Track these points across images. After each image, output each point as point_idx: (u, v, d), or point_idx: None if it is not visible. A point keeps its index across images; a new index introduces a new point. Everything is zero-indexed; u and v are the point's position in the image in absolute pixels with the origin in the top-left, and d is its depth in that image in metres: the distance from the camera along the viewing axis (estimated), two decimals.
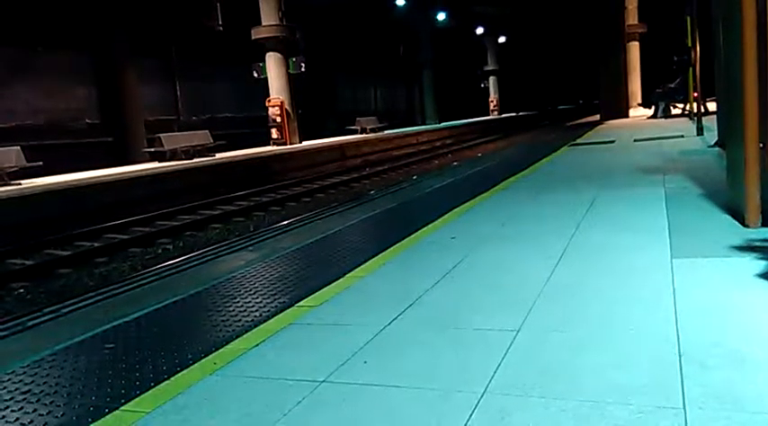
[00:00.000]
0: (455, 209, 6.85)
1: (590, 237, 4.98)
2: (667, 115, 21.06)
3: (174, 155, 18.22)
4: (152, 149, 18.75)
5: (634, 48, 33.04)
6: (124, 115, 20.82)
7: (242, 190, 15.03)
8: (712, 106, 13.42)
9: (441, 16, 40.60)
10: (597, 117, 27.59)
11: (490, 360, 2.78)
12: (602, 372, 2.56)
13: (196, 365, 3.06)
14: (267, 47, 22.31)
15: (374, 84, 40.34)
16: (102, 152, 19.88)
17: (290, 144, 22.66)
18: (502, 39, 50.40)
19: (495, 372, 2.66)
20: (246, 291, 4.31)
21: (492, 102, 51.03)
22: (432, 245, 5.24)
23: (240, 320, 3.68)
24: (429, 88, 41.91)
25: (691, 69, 14.66)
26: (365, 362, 2.91)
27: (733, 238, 4.44)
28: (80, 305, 5.97)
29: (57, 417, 2.65)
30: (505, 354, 2.84)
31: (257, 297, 4.12)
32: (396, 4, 35.71)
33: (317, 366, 2.90)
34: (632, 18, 32.38)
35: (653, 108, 22.41)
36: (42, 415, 2.68)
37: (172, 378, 2.92)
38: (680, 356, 2.64)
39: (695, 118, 14.04)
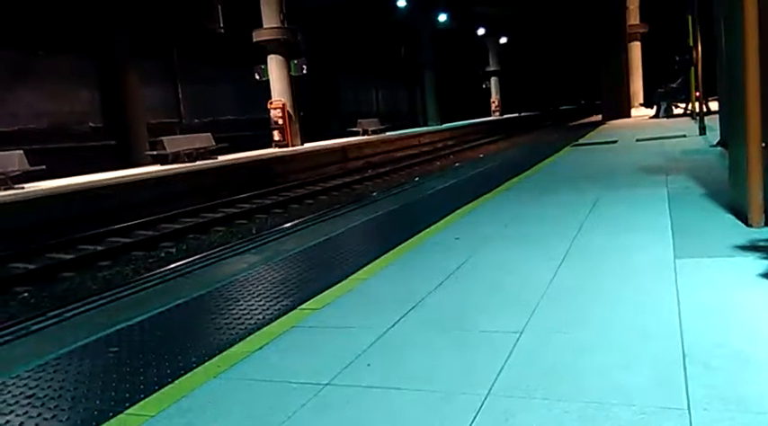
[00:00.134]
0: (458, 211, 6.85)
1: (593, 238, 4.97)
2: (669, 115, 21.04)
3: (176, 158, 18.25)
4: (154, 152, 18.78)
5: (636, 48, 33.02)
6: (127, 118, 20.85)
7: (244, 192, 15.04)
8: (714, 106, 13.40)
9: (442, 17, 40.60)
10: (599, 117, 27.57)
11: (494, 362, 2.77)
12: (605, 373, 2.56)
13: (200, 368, 3.06)
14: (269, 49, 22.35)
15: (376, 85, 40.35)
16: (104, 155, 19.89)
17: (292, 146, 22.68)
18: (503, 40, 50.40)
19: (498, 374, 2.66)
20: (249, 294, 4.32)
21: (494, 102, 51.02)
22: (435, 247, 5.24)
23: (243, 323, 3.68)
24: (431, 89, 41.92)
25: (692, 69, 14.65)
26: (368, 365, 2.91)
27: (736, 238, 4.43)
28: (84, 309, 5.97)
29: (61, 421, 2.66)
30: (509, 356, 2.83)
31: (260, 300, 4.13)
32: (397, 6, 35.72)
33: (321, 369, 2.90)
34: (634, 18, 32.36)
35: (655, 108, 22.38)
36: (47, 419, 2.69)
37: (176, 382, 2.92)
38: (684, 357, 2.63)
39: (697, 117, 14.03)
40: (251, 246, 8.46)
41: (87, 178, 15.48)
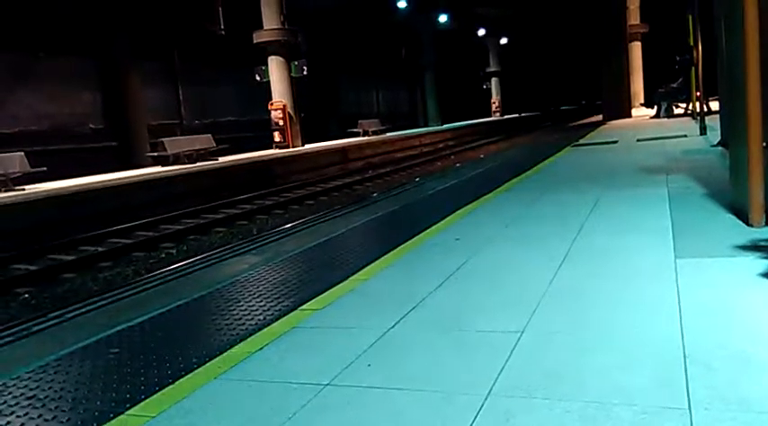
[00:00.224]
0: (458, 211, 6.85)
1: (594, 238, 4.97)
2: (670, 115, 21.03)
3: (177, 159, 18.26)
4: (155, 153, 18.79)
5: (636, 48, 33.04)
6: (127, 119, 20.86)
7: (245, 193, 15.05)
8: (715, 105, 13.40)
9: (442, 18, 40.59)
10: (600, 117, 27.57)
11: (494, 362, 2.77)
12: (606, 373, 2.56)
13: (200, 369, 3.06)
14: (269, 50, 22.36)
15: (376, 86, 40.37)
16: (105, 157, 19.91)
17: (293, 147, 22.68)
18: (504, 41, 50.39)
19: (499, 374, 2.65)
20: (250, 295, 4.32)
21: (494, 103, 51.02)
22: (435, 247, 5.24)
23: (244, 324, 3.68)
24: (431, 90, 41.93)
25: (693, 69, 14.64)
26: (369, 365, 2.90)
27: (737, 238, 4.43)
28: (84, 310, 5.97)
29: (62, 422, 2.66)
30: (510, 356, 2.83)
31: (261, 301, 4.13)
32: (397, 7, 35.73)
33: (321, 369, 2.90)
34: (634, 18, 32.38)
35: (655, 108, 22.38)
36: (47, 420, 2.69)
37: (176, 383, 2.92)
38: (685, 357, 2.63)
39: (698, 117, 14.02)
40: (252, 247, 8.47)
41: (88, 179, 15.49)
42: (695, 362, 2.57)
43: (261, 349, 3.25)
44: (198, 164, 18.18)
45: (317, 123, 30.03)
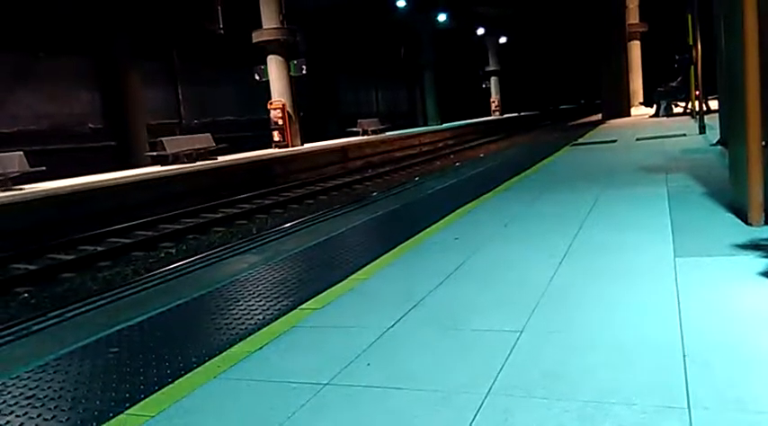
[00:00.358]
0: (458, 210, 6.85)
1: (593, 237, 4.97)
2: (669, 114, 21.02)
3: (176, 159, 18.25)
4: (154, 153, 18.78)
5: (635, 47, 33.00)
6: (127, 119, 20.85)
7: (244, 193, 15.05)
8: (714, 104, 13.39)
9: (442, 17, 40.59)
10: (599, 116, 27.58)
11: (493, 361, 2.77)
12: (605, 372, 2.56)
13: (200, 368, 3.06)
14: (268, 49, 22.34)
15: (376, 85, 40.36)
16: (105, 156, 19.91)
17: (292, 146, 22.67)
18: (503, 40, 50.38)
19: (498, 373, 2.66)
20: (250, 294, 4.32)
21: (493, 102, 51.01)
22: (435, 246, 5.24)
23: (243, 323, 3.68)
24: (431, 89, 41.92)
25: (692, 68, 14.63)
26: (368, 364, 2.91)
27: (736, 237, 4.43)
28: (84, 309, 5.98)
29: (61, 422, 2.66)
30: (509, 355, 2.83)
31: (260, 300, 4.13)
32: (396, 6, 35.72)
33: (321, 368, 2.90)
34: (633, 17, 32.34)
35: (655, 107, 22.37)
36: (47, 420, 2.69)
37: (176, 382, 2.92)
38: (684, 355, 2.63)
39: (697, 116, 14.02)
40: (251, 246, 8.47)
41: (87, 179, 15.48)
42: (694, 361, 2.57)
43: (260, 348, 3.25)
44: (197, 163, 18.16)
45: (316, 122, 30.02)
